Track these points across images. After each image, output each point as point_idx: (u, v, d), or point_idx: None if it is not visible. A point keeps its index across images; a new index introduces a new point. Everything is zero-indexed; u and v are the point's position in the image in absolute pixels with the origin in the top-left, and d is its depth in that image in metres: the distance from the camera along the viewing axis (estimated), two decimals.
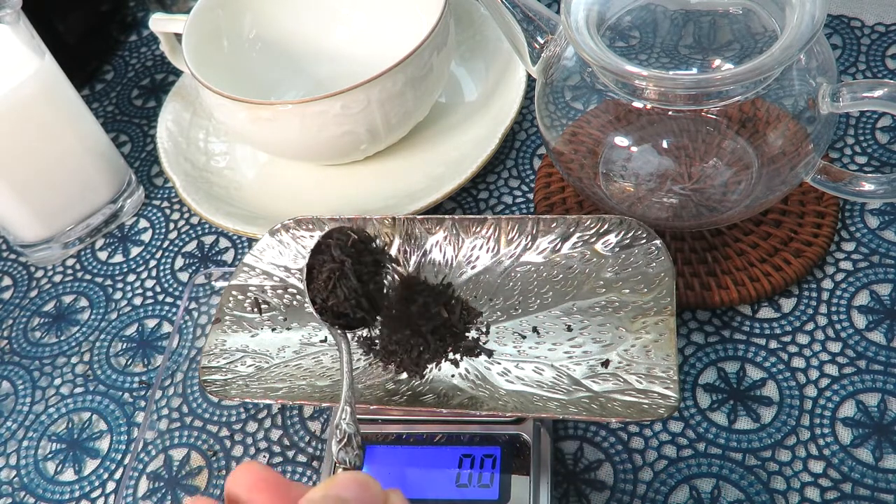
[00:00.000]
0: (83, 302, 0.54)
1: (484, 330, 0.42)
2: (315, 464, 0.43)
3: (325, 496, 0.27)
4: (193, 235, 0.56)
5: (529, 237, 0.44)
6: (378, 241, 0.43)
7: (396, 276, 0.44)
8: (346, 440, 0.35)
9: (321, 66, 0.60)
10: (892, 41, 0.55)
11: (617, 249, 0.42)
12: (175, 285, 0.54)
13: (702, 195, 0.44)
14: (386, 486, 0.39)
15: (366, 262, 0.41)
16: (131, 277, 0.55)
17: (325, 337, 0.43)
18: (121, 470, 0.46)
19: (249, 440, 0.45)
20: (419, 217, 0.45)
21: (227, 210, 0.53)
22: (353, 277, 0.40)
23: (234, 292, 0.45)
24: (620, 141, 0.46)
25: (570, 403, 0.37)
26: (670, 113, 0.44)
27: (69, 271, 0.56)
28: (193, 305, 0.50)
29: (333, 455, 0.34)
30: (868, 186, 0.41)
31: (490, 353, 0.41)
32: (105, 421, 0.48)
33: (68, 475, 0.46)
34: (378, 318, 0.42)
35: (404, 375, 0.41)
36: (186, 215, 0.58)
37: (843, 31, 0.57)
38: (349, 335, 0.40)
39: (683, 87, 0.37)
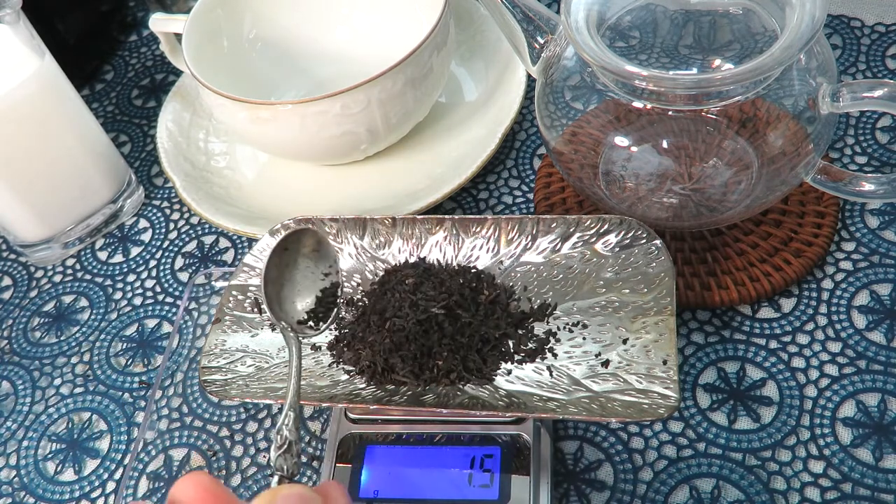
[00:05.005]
0: (83, 302, 0.54)
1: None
2: (315, 464, 0.43)
3: None
4: (193, 235, 0.56)
5: (529, 237, 0.44)
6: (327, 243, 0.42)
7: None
8: (286, 447, 0.33)
9: (321, 66, 0.60)
10: (892, 41, 0.55)
11: (617, 249, 0.42)
12: (175, 285, 0.54)
13: (702, 195, 0.44)
14: (386, 487, 0.40)
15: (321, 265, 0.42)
16: (131, 277, 0.55)
17: (325, 338, 0.43)
18: (121, 470, 0.46)
19: (249, 440, 0.45)
20: (419, 217, 0.45)
21: (227, 210, 0.53)
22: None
23: (234, 292, 0.45)
24: (620, 141, 0.46)
25: (570, 403, 0.37)
26: (670, 113, 0.44)
27: (69, 271, 0.56)
28: (193, 305, 0.50)
29: (272, 461, 0.33)
30: (868, 186, 0.41)
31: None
32: (105, 421, 0.48)
33: (68, 475, 0.46)
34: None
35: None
36: (186, 215, 0.58)
37: (843, 31, 0.57)
38: (301, 339, 0.39)
39: (683, 87, 0.37)
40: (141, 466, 0.45)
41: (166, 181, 0.60)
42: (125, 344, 0.51)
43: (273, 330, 0.44)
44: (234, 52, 0.58)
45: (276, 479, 0.32)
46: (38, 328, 0.53)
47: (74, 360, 0.51)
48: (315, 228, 0.42)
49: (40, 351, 0.52)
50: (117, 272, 0.55)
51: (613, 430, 0.42)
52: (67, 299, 0.54)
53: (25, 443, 0.48)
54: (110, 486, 0.45)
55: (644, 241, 0.42)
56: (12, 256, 0.58)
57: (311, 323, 0.41)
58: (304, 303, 0.41)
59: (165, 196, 0.59)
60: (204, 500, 0.28)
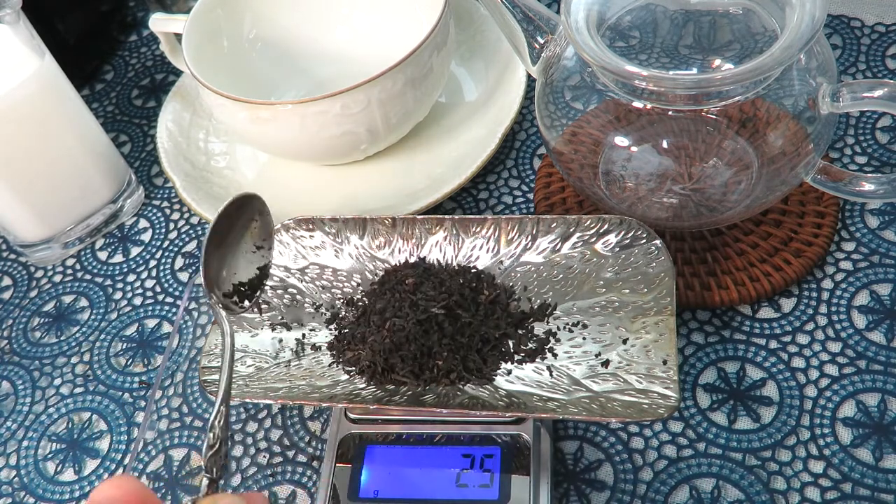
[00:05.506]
0: (83, 302, 0.54)
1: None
2: (315, 464, 0.43)
3: None
4: (193, 235, 0.56)
5: (529, 237, 0.44)
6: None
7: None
8: (216, 447, 0.30)
9: (321, 66, 0.60)
10: (892, 41, 0.55)
11: (617, 249, 0.42)
12: (175, 285, 0.54)
13: (702, 195, 0.44)
14: (386, 487, 0.40)
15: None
16: (131, 277, 0.55)
17: (325, 338, 0.43)
18: (121, 470, 0.46)
19: (249, 440, 0.45)
20: (419, 217, 0.45)
21: None
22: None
23: None
24: (620, 141, 0.46)
25: (570, 403, 0.37)
26: (670, 113, 0.44)
27: (69, 271, 0.56)
28: (193, 305, 0.50)
29: (203, 462, 0.30)
30: (868, 186, 0.41)
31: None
32: (105, 421, 0.48)
33: (68, 475, 0.46)
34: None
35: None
36: (186, 215, 0.58)
37: (843, 31, 0.57)
38: (232, 321, 0.37)
39: (683, 87, 0.37)
40: (141, 466, 0.45)
41: (166, 181, 0.60)
42: (125, 344, 0.51)
43: (273, 329, 0.44)
44: (234, 52, 0.58)
45: (204, 481, 0.30)
46: (38, 328, 0.53)
47: (74, 360, 0.51)
48: (260, 196, 0.39)
49: (40, 351, 0.52)
50: (117, 272, 0.55)
51: (613, 430, 0.42)
52: (67, 299, 0.54)
53: (25, 443, 0.48)
54: None
55: (644, 241, 0.42)
56: (12, 256, 0.58)
57: (235, 298, 0.39)
58: (233, 275, 0.39)
59: (165, 196, 0.59)
60: (129, 502, 0.27)
